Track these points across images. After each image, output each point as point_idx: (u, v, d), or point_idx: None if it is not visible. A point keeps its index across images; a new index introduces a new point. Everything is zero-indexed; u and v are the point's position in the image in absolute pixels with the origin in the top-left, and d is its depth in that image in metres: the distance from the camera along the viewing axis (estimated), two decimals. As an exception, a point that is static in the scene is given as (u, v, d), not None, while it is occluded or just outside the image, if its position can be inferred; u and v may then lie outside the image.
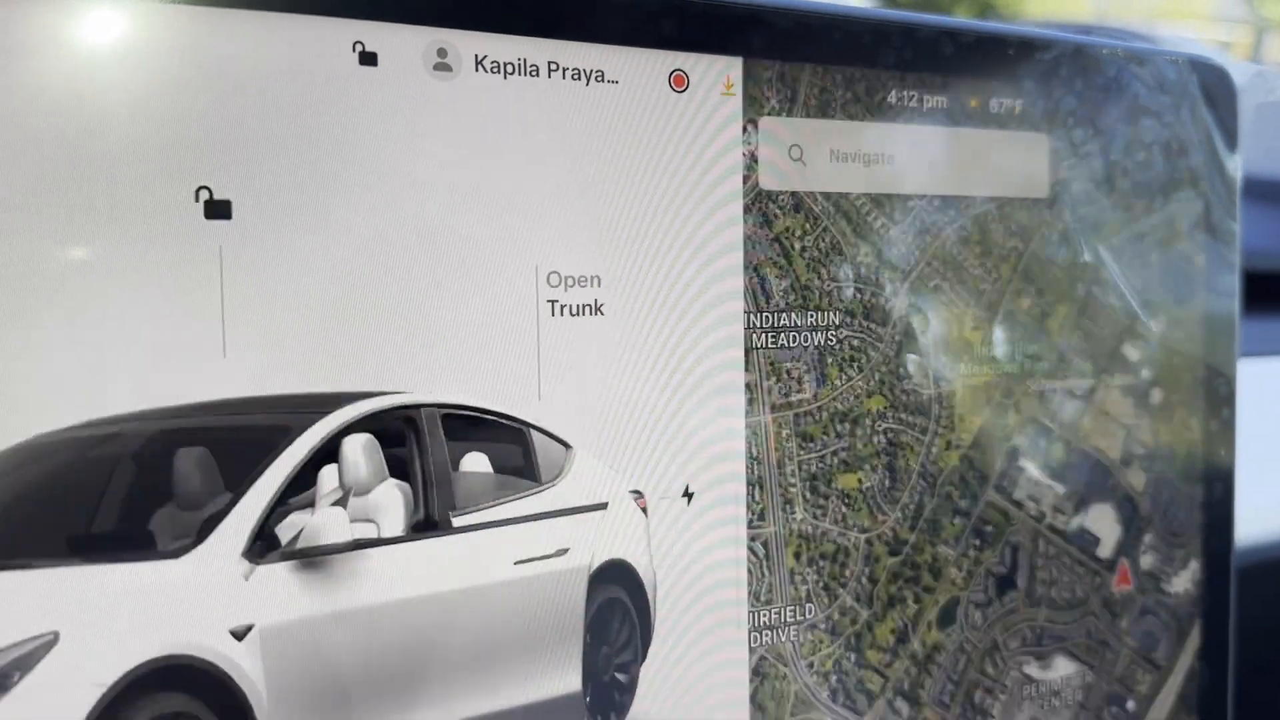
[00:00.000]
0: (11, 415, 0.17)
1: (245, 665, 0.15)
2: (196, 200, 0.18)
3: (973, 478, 0.27)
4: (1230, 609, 0.32)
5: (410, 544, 0.19)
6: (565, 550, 0.22)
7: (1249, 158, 0.32)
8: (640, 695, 0.23)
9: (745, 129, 0.23)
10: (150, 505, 0.17)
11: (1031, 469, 0.28)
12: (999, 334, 0.27)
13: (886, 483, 0.26)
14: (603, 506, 0.22)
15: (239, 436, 0.17)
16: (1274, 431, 0.40)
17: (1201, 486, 0.31)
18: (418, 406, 0.19)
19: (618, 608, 0.22)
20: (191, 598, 0.15)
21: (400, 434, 0.19)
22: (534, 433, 0.21)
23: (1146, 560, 0.30)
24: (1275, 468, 0.42)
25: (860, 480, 0.25)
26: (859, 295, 0.25)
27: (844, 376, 0.25)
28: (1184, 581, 0.30)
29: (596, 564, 0.22)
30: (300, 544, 0.17)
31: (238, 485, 0.17)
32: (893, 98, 0.25)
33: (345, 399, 0.19)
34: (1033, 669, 0.28)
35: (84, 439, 0.17)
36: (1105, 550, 0.29)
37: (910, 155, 0.25)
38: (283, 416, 0.18)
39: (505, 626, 0.20)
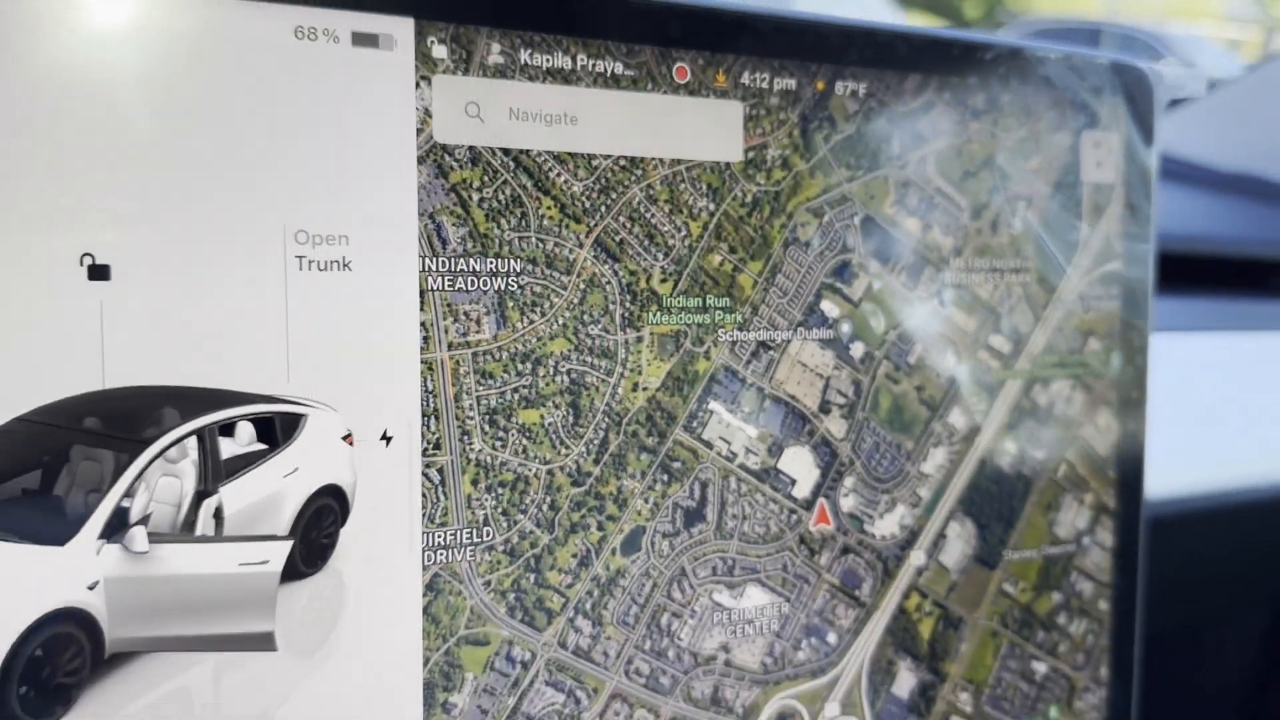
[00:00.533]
0: None
1: (96, 603, 0.24)
2: None
3: (660, 418, 0.29)
4: (1140, 565, 0.37)
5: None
6: (293, 471, 0.25)
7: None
8: (319, 608, 0.25)
9: (418, 85, 0.25)
10: (55, 495, 0.24)
11: (722, 412, 0.30)
12: (689, 285, 0.29)
13: (570, 419, 0.28)
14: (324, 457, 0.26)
15: (105, 445, 0.24)
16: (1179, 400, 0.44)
17: (1115, 450, 0.36)
18: (202, 428, 0.25)
19: (328, 509, 0.25)
20: (70, 568, 0.24)
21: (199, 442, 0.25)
22: (275, 408, 0.25)
23: (848, 502, 0.32)
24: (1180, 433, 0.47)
25: (542, 416, 0.27)
26: (541, 245, 0.27)
27: (525, 320, 0.27)
28: (888, 526, 0.33)
29: (313, 485, 0.25)
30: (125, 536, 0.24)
31: (99, 491, 0.24)
32: (575, 62, 0.27)
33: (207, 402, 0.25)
34: (723, 596, 0.30)
35: (27, 429, 0.23)
36: (802, 492, 0.31)
37: (596, 117, 0.27)
38: (136, 430, 0.24)
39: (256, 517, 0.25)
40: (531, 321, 0.27)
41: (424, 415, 0.26)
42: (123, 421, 0.24)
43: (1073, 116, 0.35)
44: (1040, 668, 0.36)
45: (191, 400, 0.24)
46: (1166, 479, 0.45)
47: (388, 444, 0.26)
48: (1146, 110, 0.36)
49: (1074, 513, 0.36)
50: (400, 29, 0.25)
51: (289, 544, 0.25)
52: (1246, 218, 0.82)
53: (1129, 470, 0.37)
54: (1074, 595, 0.36)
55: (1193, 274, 0.68)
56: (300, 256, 0.25)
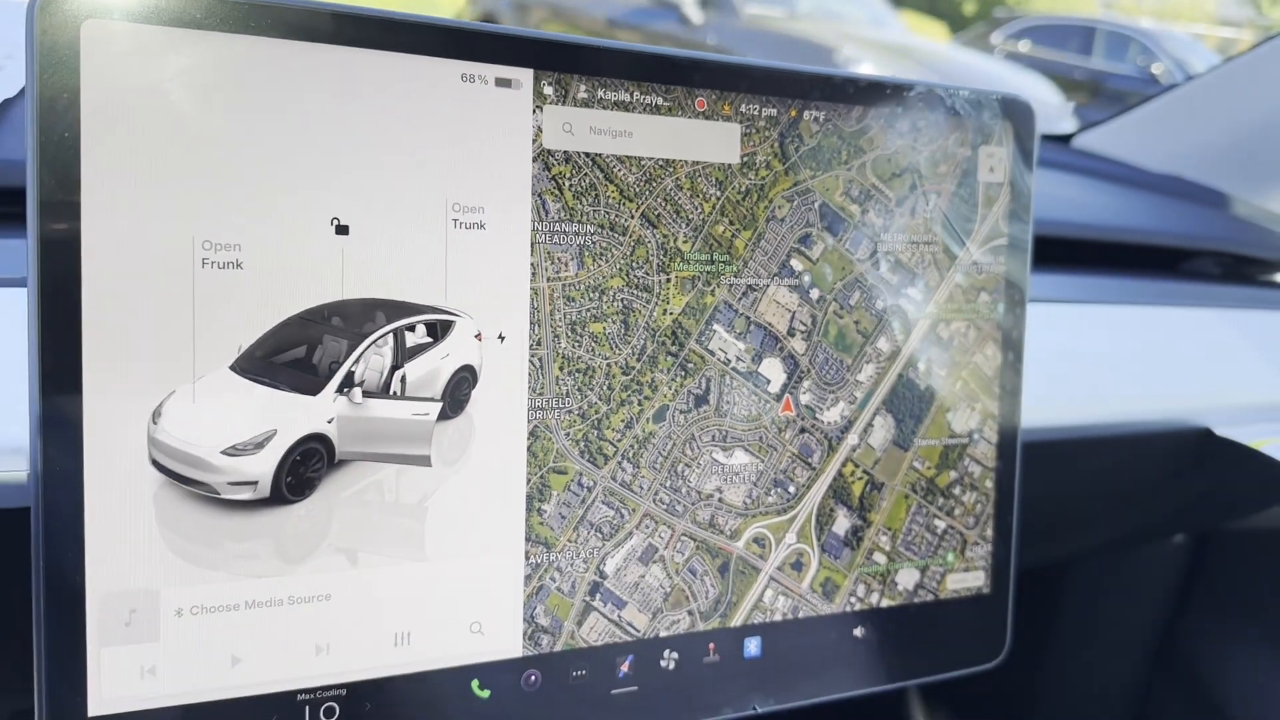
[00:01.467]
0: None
1: (331, 430, 0.38)
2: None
3: (680, 334, 0.44)
4: (1017, 461, 0.52)
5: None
6: (446, 356, 0.40)
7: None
8: (458, 438, 0.40)
9: (534, 111, 0.40)
10: (313, 363, 0.38)
11: (722, 332, 0.45)
12: (702, 245, 0.44)
13: (622, 331, 0.42)
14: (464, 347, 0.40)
15: (343, 333, 0.39)
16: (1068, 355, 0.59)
17: (998, 371, 0.50)
18: (397, 327, 0.39)
19: (465, 380, 0.40)
20: (318, 410, 0.38)
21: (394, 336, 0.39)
22: (438, 316, 0.39)
23: (805, 398, 0.47)
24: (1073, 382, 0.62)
25: (604, 328, 0.42)
26: (607, 215, 0.42)
27: (595, 264, 0.42)
28: (833, 415, 0.47)
29: (457, 364, 0.40)
30: (350, 393, 0.39)
31: (338, 362, 0.39)
32: (632, 97, 0.42)
33: (400, 310, 0.39)
34: (719, 455, 0.45)
35: (303, 319, 0.38)
36: (774, 388, 0.46)
37: (644, 133, 0.42)
38: (360, 326, 0.39)
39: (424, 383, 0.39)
40: (600, 265, 0.42)
41: (531, 323, 0.41)
42: (352, 320, 0.39)
43: (973, 135, 0.50)
44: (940, 524, 0.51)
45: (391, 308, 0.39)
46: (1039, 415, 0.59)
47: (502, 341, 0.40)
48: (1028, 131, 0.51)
49: (967, 415, 0.51)
50: (524, 76, 0.40)
51: (439, 404, 0.40)
52: (1165, 212, 0.96)
53: (1009, 387, 0.52)
54: (966, 474, 0.51)
55: (1111, 257, 0.83)
56: (455, 219, 0.39)
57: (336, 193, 0.37)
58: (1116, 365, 0.68)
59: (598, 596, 0.43)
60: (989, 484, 0.52)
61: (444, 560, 0.40)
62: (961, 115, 0.49)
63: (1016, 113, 0.51)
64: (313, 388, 0.38)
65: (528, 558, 0.41)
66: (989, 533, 0.52)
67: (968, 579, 0.52)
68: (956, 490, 0.51)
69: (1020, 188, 0.51)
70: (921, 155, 0.48)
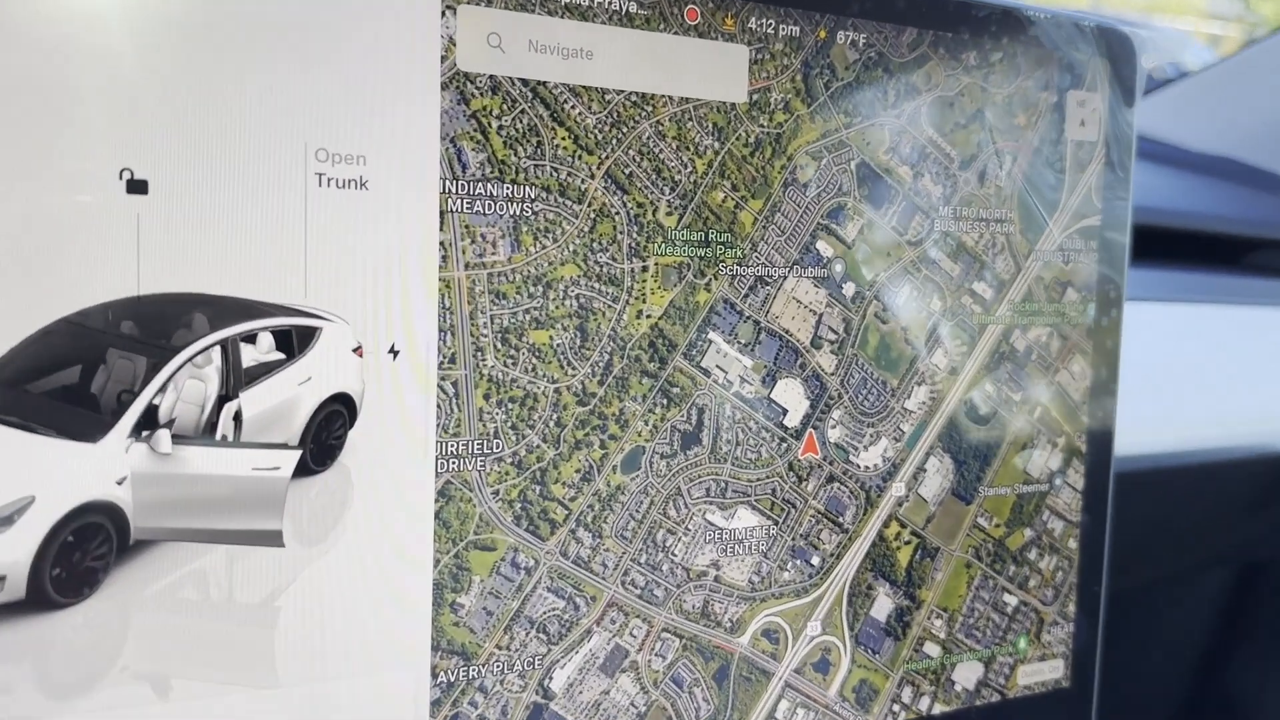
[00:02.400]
0: None
1: (123, 496, 0.25)
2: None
3: (662, 344, 0.31)
4: (1108, 504, 0.39)
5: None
6: (307, 380, 0.27)
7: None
8: (326, 503, 0.27)
9: (444, 14, 0.27)
10: (91, 393, 0.25)
11: (720, 342, 0.31)
12: (693, 220, 0.31)
13: (578, 341, 0.29)
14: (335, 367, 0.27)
15: (140, 346, 0.26)
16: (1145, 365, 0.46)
17: (1088, 395, 0.38)
18: (226, 339, 0.26)
19: (337, 415, 0.27)
20: (101, 466, 0.25)
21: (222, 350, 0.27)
22: (293, 321, 0.27)
23: (834, 434, 0.34)
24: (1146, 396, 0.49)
25: (551, 337, 0.29)
26: (555, 174, 0.28)
27: (538, 245, 0.28)
28: (871, 457, 0.34)
29: (325, 393, 0.27)
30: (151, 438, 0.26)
31: (131, 391, 0.25)
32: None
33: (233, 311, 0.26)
34: (715, 517, 0.32)
35: (75, 325, 0.24)
36: (792, 421, 0.33)
37: (609, 53, 0.29)
38: (167, 336, 0.26)
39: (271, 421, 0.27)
40: (544, 247, 0.28)
41: (440, 331, 0.27)
42: (155, 326, 0.25)
43: (1059, 75, 0.37)
44: (1011, 600, 0.38)
45: (218, 309, 0.26)
46: (1129, 439, 0.47)
47: (395, 357, 0.27)
48: (1129, 73, 0.38)
49: (1047, 454, 0.38)
50: (426, -41, 0.26)
51: (298, 453, 0.27)
52: (1219, 198, 0.84)
53: (1101, 414, 0.39)
54: (1045, 532, 0.38)
55: (1164, 247, 0.70)
56: (320, 174, 0.26)
57: (127, 129, 0.24)
58: (1178, 374, 0.56)
59: (541, 725, 0.30)
60: (1072, 544, 0.39)
61: (306, 685, 0.27)
62: (1046, 48, 0.36)
63: (1116, 48, 0.38)
64: (93, 431, 0.25)
65: (436, 675, 0.28)
66: (1070, 608, 0.39)
67: (1044, 670, 0.39)
68: (1032, 554, 0.38)
69: (1119, 148, 0.38)
70: (994, 100, 0.35)
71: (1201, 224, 0.76)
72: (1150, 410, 0.53)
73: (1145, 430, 0.51)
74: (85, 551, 0.25)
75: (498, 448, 0.28)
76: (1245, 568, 0.68)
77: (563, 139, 0.28)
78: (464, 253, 0.27)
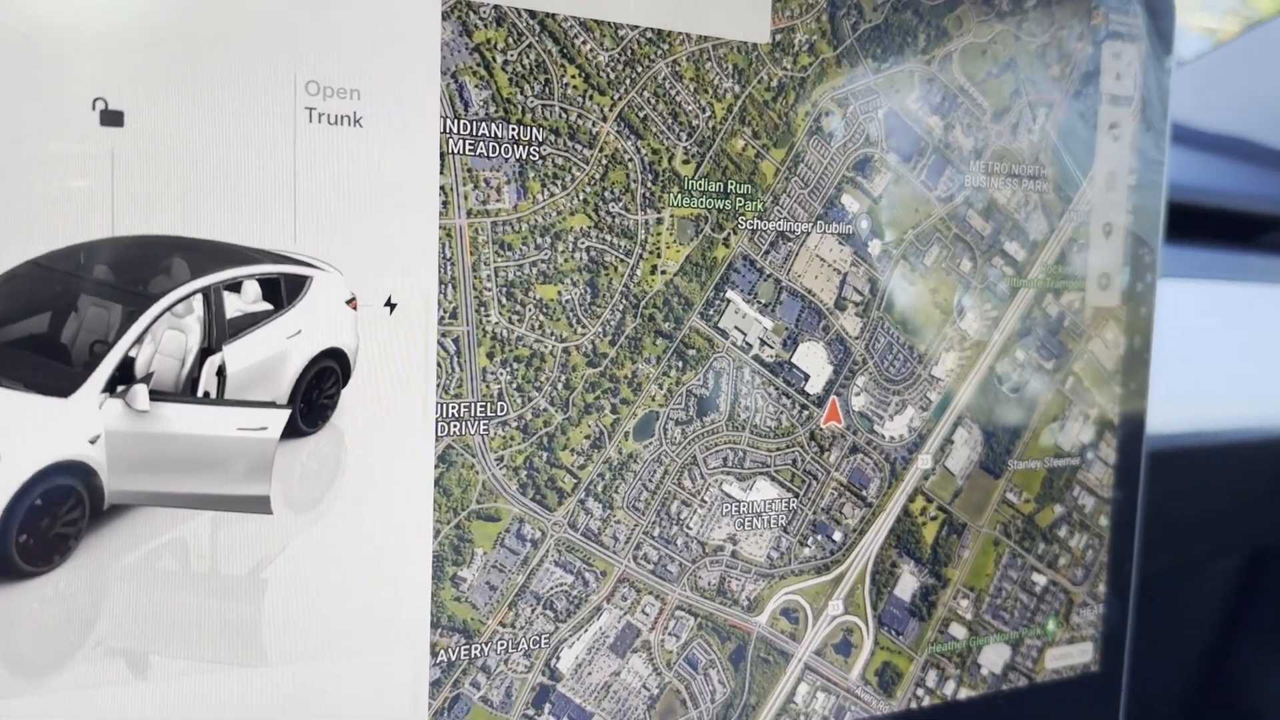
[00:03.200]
0: None
1: (96, 456, 0.23)
2: None
3: (678, 303, 0.29)
4: (1140, 481, 0.37)
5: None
6: (297, 333, 0.25)
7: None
8: (318, 467, 0.25)
9: (445, -62, 0.25)
10: (62, 344, 0.23)
11: (739, 302, 0.29)
12: (711, 168, 0.28)
13: (588, 297, 0.27)
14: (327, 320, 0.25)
15: (115, 293, 0.23)
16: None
17: (1121, 364, 0.36)
18: (209, 287, 0.24)
19: (329, 371, 0.25)
20: (73, 423, 0.23)
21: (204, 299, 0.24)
22: (281, 269, 0.24)
23: (859, 401, 0.32)
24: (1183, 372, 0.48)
25: (560, 293, 0.27)
26: (564, 115, 0.26)
27: (546, 192, 0.26)
28: (897, 427, 0.33)
29: (316, 348, 0.25)
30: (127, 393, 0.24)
31: (105, 342, 0.23)
32: (606, -73, 0.26)
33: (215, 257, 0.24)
34: (733, 489, 0.30)
35: (43, 269, 0.22)
36: (814, 387, 0.31)
37: (624, -14, 0.27)
38: (144, 283, 0.23)
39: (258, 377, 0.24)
40: (552, 194, 0.26)
41: (441, 284, 0.25)
42: (132, 272, 0.23)
43: (1094, 26, 0.35)
44: (1040, 579, 0.36)
45: (200, 254, 0.24)
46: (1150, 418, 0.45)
47: (392, 311, 0.25)
48: (1167, 25, 0.36)
49: (1079, 427, 0.36)
50: (427, -123, 0.24)
51: (287, 412, 0.25)
52: (1229, 176, 0.82)
53: (1135, 384, 0.37)
54: (1075, 509, 0.36)
55: (1181, 225, 0.68)
56: (310, 108, 0.24)
57: (101, 55, 0.22)
58: (1193, 353, 0.54)
59: (547, 708, 0.28)
60: (1103, 521, 0.37)
61: (296, 663, 0.25)
62: None
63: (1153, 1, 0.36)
64: (63, 384, 0.23)
65: (436, 654, 0.26)
66: (1100, 589, 0.37)
67: (1072, 654, 0.37)
68: (1062, 531, 0.36)
69: (1155, 104, 0.36)
70: (1029, 48, 0.33)
71: (1219, 201, 0.74)
72: (1167, 389, 0.51)
73: (1164, 410, 0.50)
74: (55, 516, 0.23)
75: (502, 411, 0.26)
76: (1264, 550, 0.66)
77: (573, 77, 0.26)
78: (466, 199, 0.25)
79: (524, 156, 0.26)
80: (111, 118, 0.22)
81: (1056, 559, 0.36)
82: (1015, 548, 0.35)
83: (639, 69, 0.27)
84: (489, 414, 0.26)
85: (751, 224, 0.29)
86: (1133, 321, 0.37)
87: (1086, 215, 0.35)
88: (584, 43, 0.26)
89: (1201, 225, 0.69)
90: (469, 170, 0.25)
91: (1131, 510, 0.37)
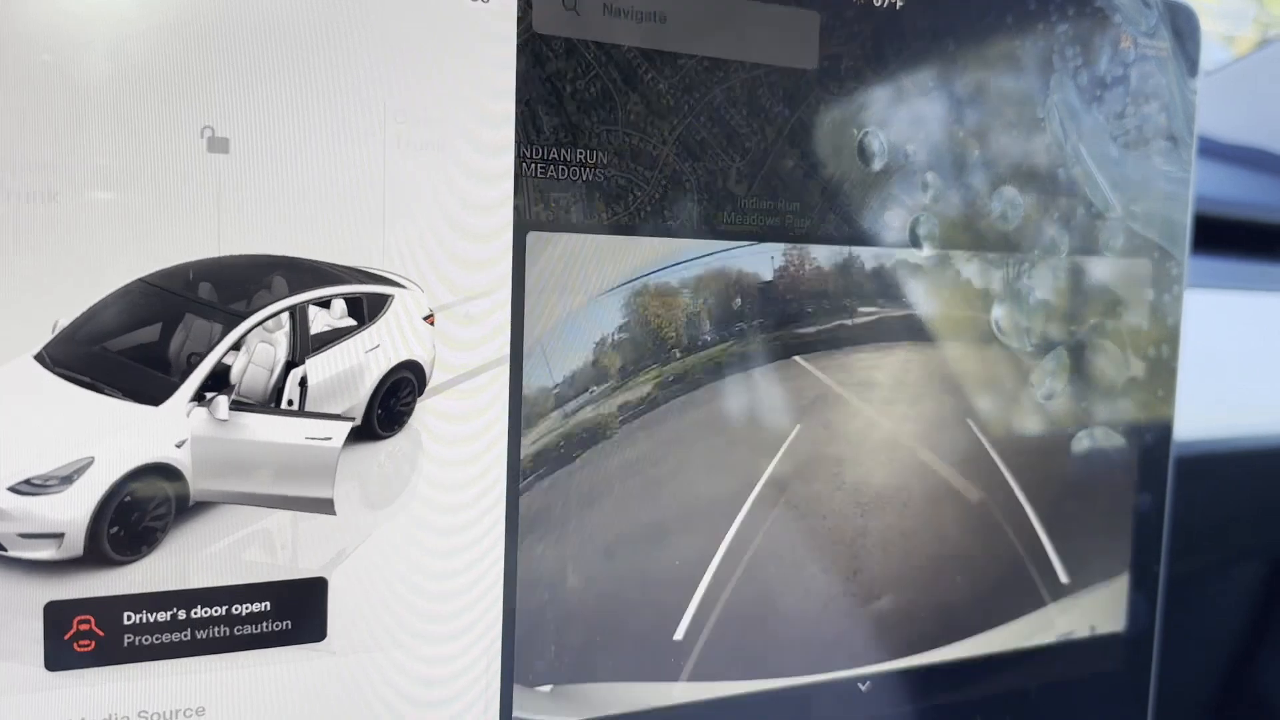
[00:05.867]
0: None
1: (182, 459, 0.25)
2: None
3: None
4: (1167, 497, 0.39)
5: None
6: (375, 347, 0.26)
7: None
8: (395, 467, 0.26)
9: (521, -24, 0.26)
10: (166, 356, 0.25)
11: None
12: (762, 189, 0.30)
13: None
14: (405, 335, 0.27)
15: (217, 314, 0.25)
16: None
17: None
18: (296, 305, 0.26)
19: (405, 382, 0.26)
20: (162, 426, 0.25)
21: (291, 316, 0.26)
22: (367, 289, 0.26)
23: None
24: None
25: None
26: (627, 139, 0.28)
27: (610, 212, 0.28)
28: (935, 433, 0.34)
29: (393, 360, 0.27)
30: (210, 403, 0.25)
31: (200, 354, 0.25)
32: (667, -37, 0.28)
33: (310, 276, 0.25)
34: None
35: (153, 286, 0.24)
36: (858, 395, 0.33)
37: (682, 16, 0.28)
38: (244, 299, 0.25)
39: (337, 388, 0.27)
40: (615, 213, 0.28)
41: (513, 296, 0.27)
42: (230, 290, 0.25)
43: (1124, 47, 0.36)
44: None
45: (298, 272, 0.25)
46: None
47: (469, 323, 0.27)
48: (1193, 46, 0.38)
49: (1107, 432, 0.37)
50: (503, -81, 0.26)
51: (349, 424, 0.26)
52: (1245, 186, 0.83)
53: (1161, 392, 0.38)
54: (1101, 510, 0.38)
55: (1207, 236, 0.70)
56: (398, 135, 0.26)
57: (208, 89, 0.24)
58: (1221, 360, 0.55)
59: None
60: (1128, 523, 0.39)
61: (361, 654, 0.27)
62: (1111, 19, 0.35)
63: (1180, 21, 0.37)
64: (157, 393, 0.24)
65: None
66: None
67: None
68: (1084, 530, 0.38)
69: (1182, 122, 0.37)
70: (1060, 72, 0.35)
71: (1243, 212, 0.75)
72: (1189, 397, 0.52)
73: (1186, 416, 0.51)
74: (144, 511, 0.24)
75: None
76: (1271, 563, 0.67)
77: (635, 104, 0.28)
78: (538, 217, 0.27)
79: (591, 180, 0.28)
80: (218, 145, 0.24)
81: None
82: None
83: (696, 95, 0.29)
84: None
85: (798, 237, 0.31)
86: (1159, 332, 0.38)
87: (1115, 229, 0.37)
88: (645, 71, 0.28)
89: (1231, 236, 0.71)
90: (540, 192, 0.27)
91: (1159, 513, 0.39)
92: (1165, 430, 0.38)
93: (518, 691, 0.28)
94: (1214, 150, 0.86)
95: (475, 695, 0.28)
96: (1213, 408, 0.51)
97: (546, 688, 0.29)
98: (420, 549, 0.27)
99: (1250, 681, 0.68)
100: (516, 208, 0.27)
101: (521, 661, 0.28)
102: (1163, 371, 0.38)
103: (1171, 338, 0.38)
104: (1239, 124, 0.89)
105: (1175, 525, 0.40)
